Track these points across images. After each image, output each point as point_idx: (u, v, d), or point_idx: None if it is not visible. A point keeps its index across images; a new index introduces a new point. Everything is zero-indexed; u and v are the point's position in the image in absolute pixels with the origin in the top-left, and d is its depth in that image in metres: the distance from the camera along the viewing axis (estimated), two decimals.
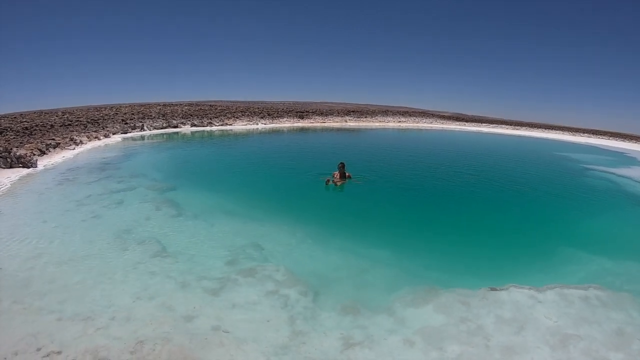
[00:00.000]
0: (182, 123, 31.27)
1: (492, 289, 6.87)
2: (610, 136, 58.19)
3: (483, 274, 7.49)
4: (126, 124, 27.21)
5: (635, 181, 19.97)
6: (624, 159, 32.47)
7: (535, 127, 63.46)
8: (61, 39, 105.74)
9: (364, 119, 50.72)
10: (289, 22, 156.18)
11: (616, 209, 14.02)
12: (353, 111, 53.98)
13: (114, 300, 5.82)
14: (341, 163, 14.07)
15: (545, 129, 62.12)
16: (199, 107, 41.82)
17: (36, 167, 14.07)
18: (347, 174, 14.17)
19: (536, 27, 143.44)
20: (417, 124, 54.35)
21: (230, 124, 34.77)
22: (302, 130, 36.89)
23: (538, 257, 8.74)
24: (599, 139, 54.00)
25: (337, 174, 14.03)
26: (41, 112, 31.32)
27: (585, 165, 24.97)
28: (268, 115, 40.98)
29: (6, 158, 13.57)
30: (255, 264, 7.29)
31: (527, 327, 5.82)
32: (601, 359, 5.19)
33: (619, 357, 5.26)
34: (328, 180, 13.66)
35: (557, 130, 61.54)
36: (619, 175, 21.50)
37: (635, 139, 56.20)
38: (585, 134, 58.84)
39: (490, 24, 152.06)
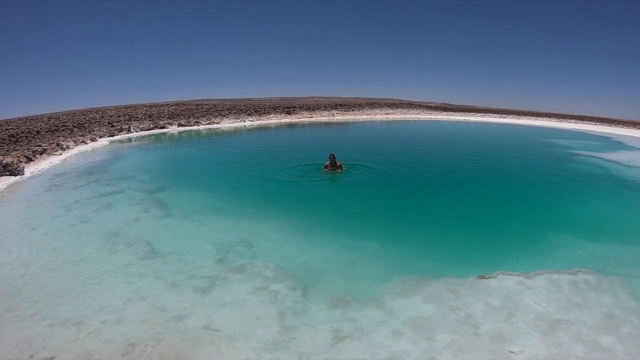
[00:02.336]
0: (169, 123, 31.07)
1: (481, 277, 6.93)
2: (597, 121, 58.45)
3: (472, 263, 7.54)
4: (112, 126, 27.02)
5: (623, 165, 20.14)
6: (611, 143, 32.68)
7: (522, 114, 63.55)
8: (44, 46, 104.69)
9: (352, 112, 50.66)
10: (273, 19, 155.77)
11: (604, 193, 14.14)
12: (340, 105, 53.98)
13: (105, 304, 5.83)
14: (332, 154, 14.25)
15: (532, 116, 62.19)
16: (186, 107, 41.78)
17: (23, 174, 13.96)
18: (338, 164, 14.33)
19: (519, 15, 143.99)
20: (405, 116, 54.29)
21: (217, 123, 34.57)
22: (290, 125, 36.77)
23: (526, 244, 8.81)
24: (586, 125, 54.25)
25: (328, 164, 14.19)
26: (27, 118, 31.13)
27: (572, 151, 25.12)
28: (255, 112, 40.79)
29: None
30: (245, 261, 7.32)
31: (517, 313, 5.87)
32: (591, 343, 5.23)
33: (610, 340, 5.30)
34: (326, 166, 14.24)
35: (543, 117, 61.62)
36: (606, 160, 21.67)
37: (622, 124, 56.55)
38: (572, 120, 59.07)
39: (473, 15, 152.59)
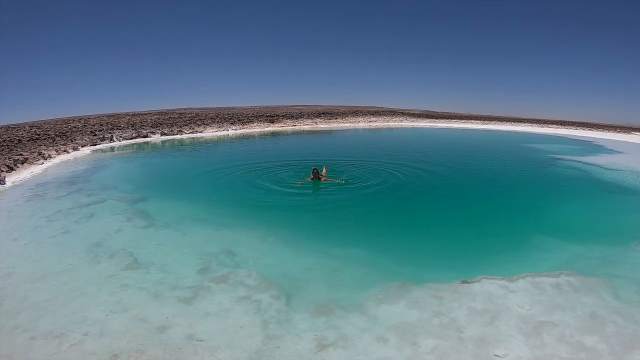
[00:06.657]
0: (151, 132, 30.93)
1: (464, 282, 6.97)
2: (578, 126, 59.31)
3: (454, 268, 7.59)
4: (95, 135, 26.80)
5: (603, 168, 20.47)
6: (591, 147, 33.20)
7: (504, 120, 64.23)
8: (25, 52, 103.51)
9: (335, 121, 50.86)
10: (256, 27, 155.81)
11: (585, 196, 14.39)
12: (323, 113, 54.18)
13: (87, 315, 5.76)
14: (315, 169, 14.28)
15: (514, 122, 62.90)
16: (169, 116, 41.59)
17: (4, 184, 13.76)
18: (321, 175, 14.30)
19: (501, 20, 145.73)
20: (388, 123, 54.64)
21: (201, 132, 34.51)
22: (273, 134, 36.77)
23: (509, 248, 8.91)
24: (567, 129, 55.01)
25: (311, 178, 14.19)
26: (8, 126, 30.73)
27: (553, 155, 25.47)
28: (238, 120, 40.73)
29: None
30: (228, 270, 7.27)
31: (500, 317, 5.90)
32: (576, 344, 5.28)
33: (594, 340, 5.36)
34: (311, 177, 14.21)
35: (525, 122, 62.33)
36: (587, 163, 22.02)
37: (602, 128, 57.62)
38: (554, 125, 59.83)
39: (455, 20, 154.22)
